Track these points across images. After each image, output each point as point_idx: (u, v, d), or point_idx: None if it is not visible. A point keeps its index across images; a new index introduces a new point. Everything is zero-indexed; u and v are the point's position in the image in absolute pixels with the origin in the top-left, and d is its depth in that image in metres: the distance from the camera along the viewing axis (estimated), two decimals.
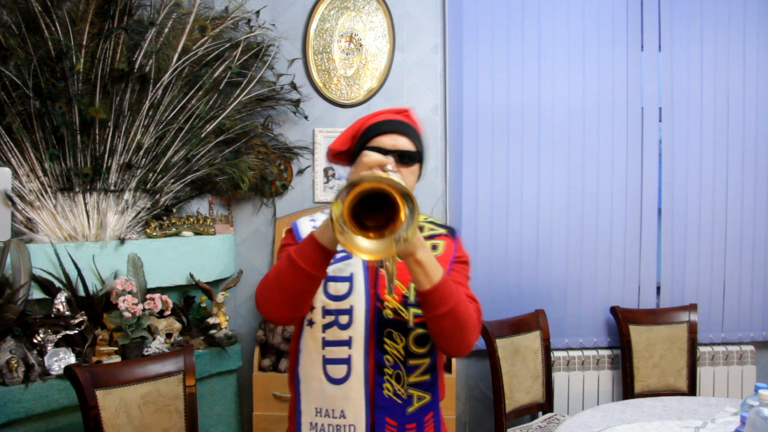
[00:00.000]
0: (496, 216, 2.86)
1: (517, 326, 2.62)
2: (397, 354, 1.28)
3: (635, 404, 1.98)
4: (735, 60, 2.92)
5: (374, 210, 1.08)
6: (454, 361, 2.54)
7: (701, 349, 2.87)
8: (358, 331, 1.27)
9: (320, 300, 1.30)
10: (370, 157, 1.17)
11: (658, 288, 2.96)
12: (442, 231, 1.39)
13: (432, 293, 1.14)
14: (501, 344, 2.50)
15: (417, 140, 1.33)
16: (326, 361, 1.28)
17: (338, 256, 1.30)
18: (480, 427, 2.95)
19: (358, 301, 1.28)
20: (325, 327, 1.29)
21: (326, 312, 1.29)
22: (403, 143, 1.29)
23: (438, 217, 2.88)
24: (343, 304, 1.28)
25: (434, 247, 1.34)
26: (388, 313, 1.28)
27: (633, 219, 2.91)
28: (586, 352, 2.87)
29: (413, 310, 1.28)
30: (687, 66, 2.91)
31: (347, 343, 1.27)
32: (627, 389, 2.74)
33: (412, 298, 1.28)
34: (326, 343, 1.28)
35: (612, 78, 2.89)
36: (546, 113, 2.87)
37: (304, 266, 1.14)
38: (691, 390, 2.74)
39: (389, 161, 1.19)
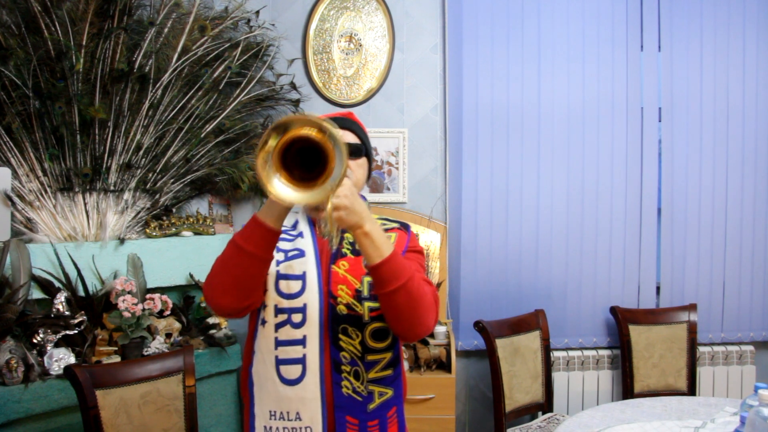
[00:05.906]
0: (496, 216, 2.86)
1: (517, 326, 2.62)
2: (353, 350, 1.27)
3: (635, 404, 1.98)
4: (735, 60, 2.92)
5: (306, 168, 1.07)
6: (453, 361, 2.53)
7: (701, 349, 2.87)
8: (312, 329, 1.25)
9: (272, 298, 1.27)
10: None
11: (658, 288, 2.96)
12: (395, 225, 1.41)
13: (383, 267, 1.14)
14: (501, 344, 2.50)
15: (362, 136, 1.38)
16: (279, 362, 1.25)
17: (291, 254, 1.30)
18: (480, 427, 2.95)
19: (312, 299, 1.26)
20: (278, 326, 1.27)
21: (279, 311, 1.27)
22: (349, 137, 1.33)
23: (439, 218, 2.88)
24: (296, 302, 1.26)
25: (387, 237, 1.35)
26: (342, 309, 1.27)
27: (633, 219, 2.91)
28: (586, 352, 2.87)
29: (368, 304, 1.26)
30: (687, 66, 2.91)
31: (301, 342, 1.25)
32: (627, 389, 2.74)
33: (366, 292, 1.27)
34: (279, 343, 1.26)
35: (612, 78, 2.89)
36: (546, 113, 2.87)
37: (248, 248, 1.15)
38: (691, 390, 2.74)
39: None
